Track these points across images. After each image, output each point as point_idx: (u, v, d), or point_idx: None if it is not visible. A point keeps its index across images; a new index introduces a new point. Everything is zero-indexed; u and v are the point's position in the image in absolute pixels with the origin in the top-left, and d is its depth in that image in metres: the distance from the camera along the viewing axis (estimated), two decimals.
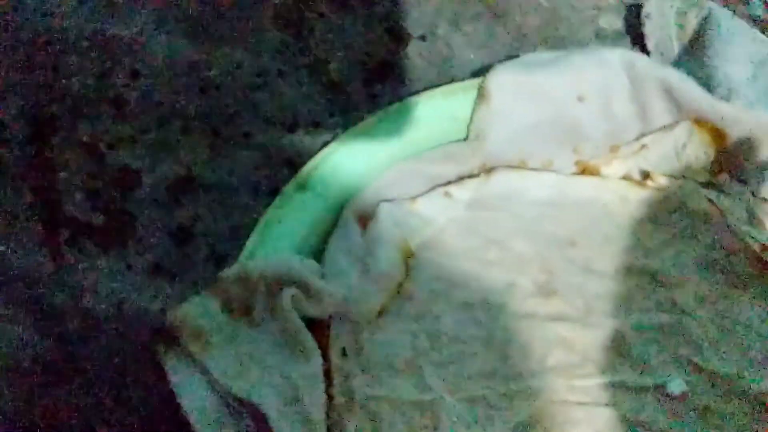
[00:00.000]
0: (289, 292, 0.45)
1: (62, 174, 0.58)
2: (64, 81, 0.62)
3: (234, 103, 0.62)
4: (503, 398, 0.48)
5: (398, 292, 0.51)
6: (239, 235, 0.54)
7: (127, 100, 0.62)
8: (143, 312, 0.53)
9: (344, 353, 0.49)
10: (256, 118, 0.62)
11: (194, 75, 0.63)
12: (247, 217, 0.56)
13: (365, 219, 0.52)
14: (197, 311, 0.43)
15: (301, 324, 0.45)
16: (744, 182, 0.54)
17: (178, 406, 0.44)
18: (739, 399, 0.48)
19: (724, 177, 0.55)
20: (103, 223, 0.57)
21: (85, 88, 0.62)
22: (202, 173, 0.59)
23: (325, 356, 0.48)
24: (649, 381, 0.49)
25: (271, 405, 0.42)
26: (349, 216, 0.52)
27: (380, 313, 0.50)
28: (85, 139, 0.60)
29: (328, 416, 0.46)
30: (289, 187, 0.50)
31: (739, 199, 0.54)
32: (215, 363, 0.42)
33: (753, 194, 0.54)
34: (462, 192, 0.55)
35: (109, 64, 0.63)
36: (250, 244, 0.48)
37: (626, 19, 0.66)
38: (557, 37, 0.66)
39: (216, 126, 0.61)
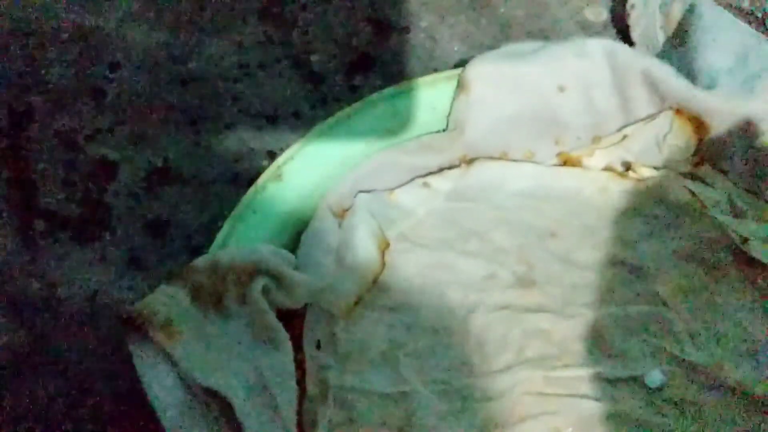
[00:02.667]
0: (260, 282, 0.45)
1: (39, 165, 0.58)
2: (42, 72, 0.62)
3: (214, 94, 0.62)
4: (479, 390, 0.47)
5: (374, 284, 0.51)
6: (216, 227, 0.53)
7: (106, 92, 0.61)
8: (117, 303, 0.52)
9: (318, 345, 0.48)
10: (237, 109, 0.61)
11: (174, 67, 0.63)
12: (226, 209, 0.55)
13: (342, 210, 0.52)
14: (165, 301, 0.43)
15: (271, 314, 0.44)
16: (725, 173, 0.54)
17: (146, 401, 0.43)
18: (718, 390, 0.48)
19: (705, 168, 0.54)
20: (79, 214, 0.56)
21: (64, 80, 0.61)
22: (181, 165, 0.59)
23: (299, 348, 0.47)
24: (627, 372, 0.48)
25: (237, 395, 0.41)
26: (325, 207, 0.51)
27: (356, 305, 0.50)
28: (62, 130, 0.60)
29: (300, 407, 0.46)
30: (264, 178, 0.50)
31: (721, 190, 0.54)
32: (182, 353, 0.42)
33: (735, 185, 0.54)
34: (441, 183, 0.55)
35: (89, 56, 0.63)
36: (222, 233, 0.47)
37: (612, 11, 0.66)
38: (542, 29, 0.65)
39: (195, 118, 0.61)
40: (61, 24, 0.63)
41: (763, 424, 0.47)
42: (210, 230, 0.54)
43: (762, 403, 0.47)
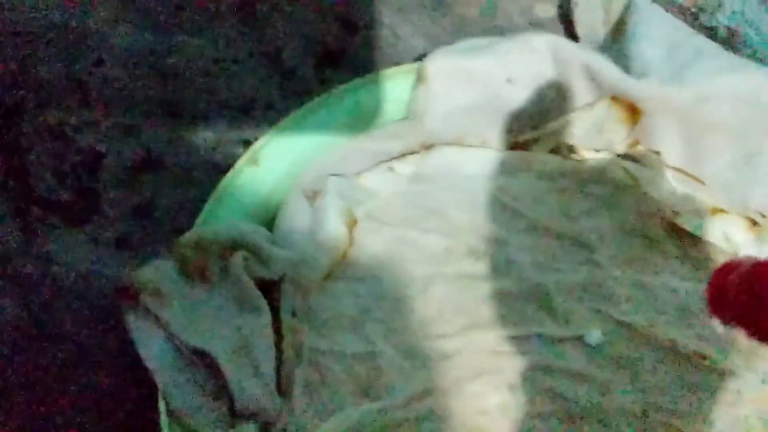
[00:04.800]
0: (240, 255, 0.50)
1: (31, 156, 0.62)
2: (31, 70, 0.66)
3: (193, 88, 0.67)
4: (437, 350, 0.53)
5: (344, 258, 0.56)
6: (197, 210, 0.58)
7: (91, 87, 0.66)
8: (108, 281, 0.57)
9: (294, 314, 0.53)
10: (214, 102, 0.66)
11: (155, 63, 0.67)
12: (205, 194, 0.59)
13: (314, 192, 0.57)
14: (156, 273, 0.48)
15: (251, 283, 0.49)
16: (658, 153, 0.60)
17: (139, 362, 0.48)
18: (652, 348, 0.54)
19: (640, 149, 0.60)
20: (70, 200, 0.61)
21: (52, 77, 0.66)
22: (162, 154, 0.63)
23: (276, 316, 0.52)
24: (570, 332, 0.54)
25: (222, 353, 0.46)
26: (298, 189, 0.56)
27: (327, 277, 0.55)
28: (52, 123, 0.64)
29: (278, 369, 0.51)
30: (241, 162, 0.55)
31: (654, 169, 0.60)
32: (171, 317, 0.47)
33: (667, 164, 0.60)
34: (404, 167, 0.60)
35: (75, 54, 0.67)
36: (204, 213, 0.52)
37: (560, 8, 0.71)
38: (495, 26, 0.71)
39: (175, 110, 0.66)
40: (49, 24, 0.67)
41: (689, 375, 0.53)
42: (192, 213, 0.59)
43: (690, 357, 0.53)
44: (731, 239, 0.57)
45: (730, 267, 0.39)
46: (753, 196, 0.57)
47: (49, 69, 0.66)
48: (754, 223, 0.57)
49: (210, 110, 0.66)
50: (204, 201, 0.56)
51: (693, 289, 0.56)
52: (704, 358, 0.53)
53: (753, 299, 0.36)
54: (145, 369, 0.47)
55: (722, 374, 0.52)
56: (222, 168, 0.62)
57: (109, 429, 0.51)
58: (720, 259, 0.56)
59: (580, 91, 0.60)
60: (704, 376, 0.52)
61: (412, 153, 0.61)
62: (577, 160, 0.61)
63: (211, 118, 0.65)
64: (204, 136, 0.64)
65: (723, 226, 0.57)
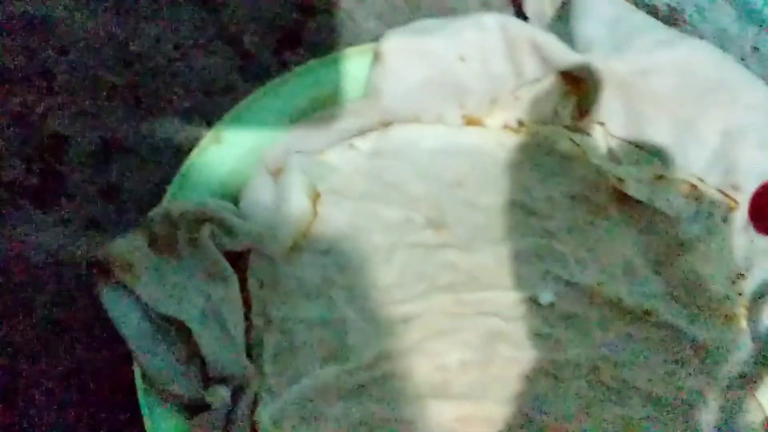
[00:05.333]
0: (207, 228, 0.52)
1: None
2: None
3: (155, 73, 0.68)
4: (400, 313, 0.56)
5: (308, 231, 0.59)
6: (164, 190, 0.60)
7: (56, 74, 0.67)
8: (78, 260, 0.59)
9: (261, 284, 0.56)
10: (176, 86, 0.68)
11: (117, 49, 0.69)
12: (171, 175, 0.61)
13: (277, 169, 0.59)
14: (126, 246, 0.50)
15: (219, 254, 0.52)
16: (602, 124, 0.63)
17: (114, 334, 0.50)
18: (599, 305, 0.57)
19: (586, 120, 0.63)
20: (38, 184, 0.62)
21: (17, 65, 0.67)
22: (127, 137, 0.65)
23: (244, 287, 0.55)
24: (523, 294, 0.57)
25: (193, 320, 0.48)
26: (262, 167, 0.58)
27: (292, 249, 0.58)
28: (17, 110, 0.65)
29: (248, 337, 0.53)
30: (205, 141, 0.57)
31: (600, 139, 0.63)
32: (144, 289, 0.49)
33: (611, 134, 0.63)
34: (364, 143, 0.63)
35: (39, 42, 0.68)
36: (170, 191, 0.54)
37: None
38: (448, 8, 0.74)
39: (139, 94, 0.67)
40: (13, 13, 0.68)
41: (635, 330, 0.56)
42: (158, 193, 0.60)
43: (634, 312, 0.57)
44: (672, 203, 0.60)
45: None
46: (692, 163, 0.61)
47: (13, 58, 0.67)
48: (694, 187, 0.60)
49: (173, 94, 0.68)
50: (169, 182, 0.58)
51: (638, 250, 0.60)
52: (649, 314, 0.56)
53: None
54: (120, 340, 0.48)
55: (666, 328, 0.56)
56: (186, 149, 0.63)
57: (86, 397, 0.53)
58: (661, 223, 0.60)
59: (529, 67, 0.63)
60: (649, 331, 0.56)
61: (371, 130, 0.63)
62: (528, 134, 0.64)
63: (173, 102, 0.67)
64: (167, 119, 0.66)
65: (665, 190, 0.61)
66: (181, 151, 0.64)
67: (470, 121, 0.65)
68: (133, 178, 0.63)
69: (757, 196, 0.46)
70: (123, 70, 0.68)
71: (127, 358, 0.49)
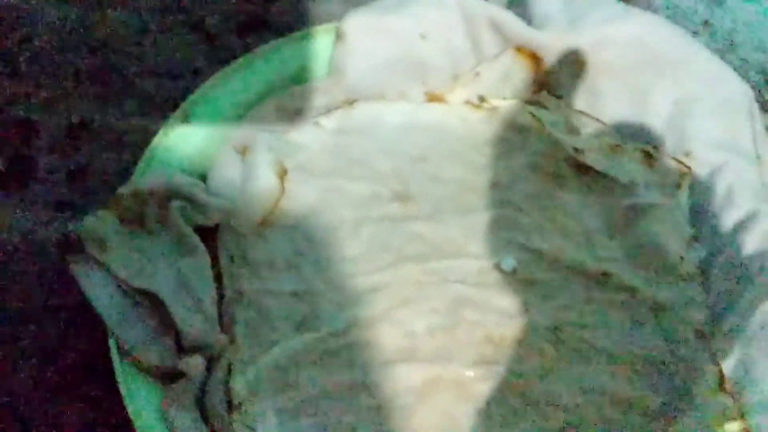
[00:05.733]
0: (177, 203, 0.53)
1: None
2: None
3: (120, 58, 0.69)
4: (368, 283, 0.57)
5: (277, 208, 0.60)
6: (132, 172, 0.60)
7: (22, 62, 0.68)
8: (50, 240, 0.59)
9: (232, 259, 0.57)
10: (142, 70, 0.69)
11: (82, 35, 0.70)
12: (138, 155, 0.62)
13: (244, 147, 0.60)
14: (97, 223, 0.51)
15: (189, 229, 0.53)
16: (559, 97, 0.65)
17: (89, 309, 0.51)
18: (560, 269, 0.59)
19: (543, 94, 0.66)
20: (8, 168, 0.63)
21: None
22: (94, 120, 0.66)
23: (215, 262, 0.56)
24: (486, 262, 0.59)
25: (166, 292, 0.49)
26: (229, 145, 0.59)
27: (262, 225, 0.59)
28: None
29: (220, 310, 0.54)
30: (173, 119, 0.58)
31: (557, 112, 0.65)
32: (115, 263, 0.50)
33: (568, 107, 0.65)
34: (329, 121, 0.64)
35: (4, 31, 0.69)
36: (139, 169, 0.55)
37: None
38: None
39: (105, 79, 0.68)
40: None
41: (594, 292, 0.58)
42: (127, 174, 0.61)
43: (595, 276, 0.59)
44: (628, 171, 0.63)
45: None
46: (646, 133, 0.63)
47: None
48: (649, 155, 0.63)
49: (139, 78, 0.68)
50: (137, 162, 0.59)
51: (596, 218, 0.62)
52: (608, 277, 0.58)
53: None
54: (95, 315, 0.49)
55: (624, 290, 0.58)
56: (153, 131, 0.64)
57: (64, 371, 0.54)
58: (618, 191, 0.62)
59: (488, 44, 0.65)
60: (608, 293, 0.58)
61: (336, 108, 0.65)
62: (489, 109, 0.66)
63: (140, 86, 0.68)
64: (134, 103, 0.67)
65: (620, 159, 0.63)
66: (148, 133, 0.64)
67: (433, 98, 0.66)
68: (102, 160, 0.64)
69: None
70: (88, 56, 0.69)
71: (104, 333, 0.50)
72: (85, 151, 0.64)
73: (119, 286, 0.50)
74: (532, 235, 0.61)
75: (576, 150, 0.63)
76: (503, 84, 0.66)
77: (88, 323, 0.52)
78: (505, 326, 0.56)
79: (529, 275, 0.59)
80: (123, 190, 0.52)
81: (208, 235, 0.57)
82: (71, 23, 0.70)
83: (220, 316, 0.54)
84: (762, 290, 0.53)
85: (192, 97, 0.59)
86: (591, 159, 0.63)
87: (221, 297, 0.55)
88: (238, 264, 0.57)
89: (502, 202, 0.62)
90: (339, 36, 0.64)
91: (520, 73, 0.65)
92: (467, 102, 0.66)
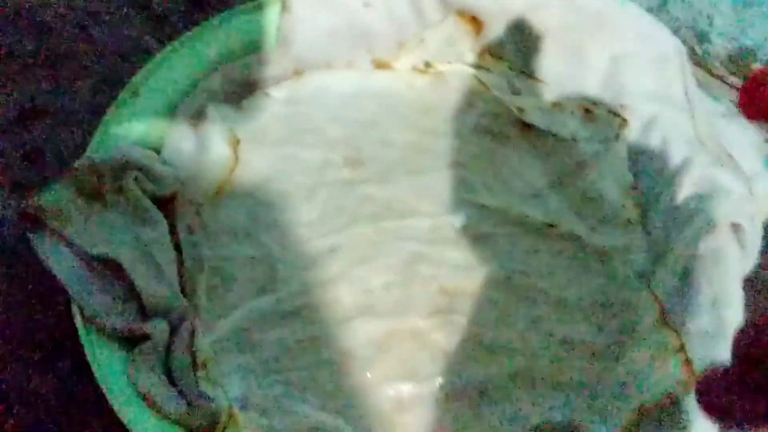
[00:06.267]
0: (131, 174, 0.54)
1: None
2: None
3: (70, 40, 0.70)
4: (325, 245, 0.59)
5: (232, 177, 0.61)
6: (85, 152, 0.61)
7: None
8: (11, 222, 0.60)
9: (190, 230, 0.58)
10: (91, 52, 0.69)
11: (30, 20, 0.70)
12: (92, 134, 0.63)
13: (196, 119, 0.62)
14: (55, 196, 0.52)
15: (146, 199, 0.54)
16: (501, 58, 0.68)
17: (54, 283, 0.52)
18: (507, 224, 0.62)
19: (486, 57, 0.68)
20: None
21: None
22: (46, 102, 0.66)
23: (173, 232, 0.57)
24: (438, 219, 0.61)
25: (127, 260, 0.51)
26: (180, 117, 0.61)
27: (217, 195, 0.60)
28: None
29: (181, 278, 0.56)
30: (124, 94, 0.59)
31: (500, 74, 0.68)
32: (75, 233, 0.51)
33: (510, 69, 0.68)
34: (279, 91, 0.66)
35: None
36: (93, 144, 0.56)
37: None
38: None
39: (55, 62, 0.69)
40: None
41: (541, 243, 0.61)
42: (81, 153, 0.62)
43: (539, 228, 0.61)
44: (569, 127, 0.65)
45: (764, 70, 0.49)
46: (584, 88, 0.66)
47: None
48: (588, 110, 0.66)
49: (89, 59, 0.69)
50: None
51: (541, 173, 0.65)
52: (553, 227, 0.61)
53: None
54: (60, 288, 0.50)
55: (570, 239, 0.61)
56: (105, 109, 0.65)
57: (34, 343, 0.55)
58: (561, 146, 0.65)
59: (430, 10, 0.67)
60: (555, 243, 0.61)
61: (285, 78, 0.66)
62: (434, 74, 0.68)
63: (90, 67, 0.69)
64: (85, 83, 0.68)
65: (562, 116, 0.66)
66: (99, 112, 0.65)
67: (380, 65, 0.68)
68: (56, 140, 0.65)
69: (748, 84, 0.51)
70: (36, 40, 0.69)
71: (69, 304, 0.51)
72: (38, 133, 0.65)
73: (79, 255, 0.51)
74: (480, 192, 0.63)
75: (519, 110, 0.66)
76: (447, 49, 0.68)
77: (55, 294, 0.53)
78: (458, 278, 0.59)
79: (479, 230, 0.61)
80: (78, 164, 0.53)
81: (165, 205, 0.58)
82: (16, 7, 0.70)
83: (182, 284, 0.55)
84: (698, 230, 0.56)
85: (141, 72, 0.60)
86: (533, 117, 0.66)
87: (181, 267, 0.56)
88: (196, 233, 0.58)
89: (451, 163, 0.65)
90: (285, 7, 0.65)
91: (462, 37, 0.67)
92: (413, 68, 0.68)
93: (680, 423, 0.48)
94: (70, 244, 0.51)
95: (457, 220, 0.62)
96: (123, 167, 0.54)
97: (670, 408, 0.48)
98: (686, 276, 0.55)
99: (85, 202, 0.53)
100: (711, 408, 0.30)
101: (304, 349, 0.54)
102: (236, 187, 0.61)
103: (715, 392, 0.30)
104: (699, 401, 0.30)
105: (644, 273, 0.59)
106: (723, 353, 0.50)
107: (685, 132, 0.62)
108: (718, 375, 0.30)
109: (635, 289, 0.58)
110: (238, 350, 0.54)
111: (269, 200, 0.61)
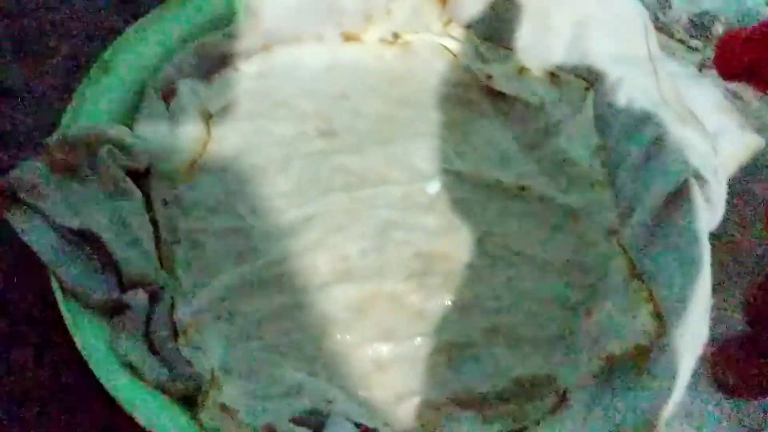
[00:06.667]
0: (105, 148, 0.54)
1: None
2: None
3: (38, 23, 0.69)
4: (301, 214, 0.60)
5: (205, 151, 0.62)
6: (56, 129, 0.61)
7: None
8: None
9: (165, 203, 0.58)
10: (59, 33, 0.69)
11: None
12: (61, 113, 0.63)
13: (167, 94, 0.62)
14: (29, 172, 0.52)
15: (120, 172, 0.54)
16: (468, 27, 0.69)
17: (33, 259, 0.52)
18: (479, 188, 0.63)
19: (453, 26, 0.69)
20: None
21: None
22: (14, 84, 0.66)
23: (149, 206, 0.57)
24: (411, 186, 0.62)
25: (104, 231, 0.51)
26: (151, 92, 0.61)
27: (191, 169, 0.61)
28: None
29: (158, 251, 0.56)
30: (94, 71, 0.59)
31: (468, 43, 0.69)
32: (51, 207, 0.51)
33: (477, 37, 0.69)
34: (249, 66, 0.66)
35: None
36: (66, 119, 0.56)
37: None
38: None
39: (24, 45, 0.68)
40: None
41: (512, 204, 0.62)
42: (53, 131, 0.62)
43: (511, 191, 0.63)
44: (537, 92, 0.66)
45: (738, 31, 0.52)
46: (550, 54, 0.67)
47: None
48: (554, 75, 0.67)
49: (56, 41, 0.69)
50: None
51: (511, 138, 0.66)
52: (525, 189, 0.62)
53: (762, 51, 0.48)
54: (39, 264, 0.50)
55: (541, 200, 0.62)
56: (75, 88, 0.65)
57: (13, 320, 0.55)
58: (529, 112, 0.66)
59: None
60: (526, 204, 0.62)
61: (254, 53, 0.66)
62: (402, 44, 0.68)
63: (58, 48, 0.69)
64: (54, 64, 0.68)
65: (529, 82, 0.67)
66: (69, 90, 0.64)
67: (348, 38, 0.69)
68: (26, 122, 0.65)
69: (721, 45, 0.52)
70: (5, 24, 0.69)
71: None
72: (7, 115, 0.64)
73: (56, 229, 0.51)
74: (452, 159, 0.64)
75: (488, 77, 0.67)
76: (414, 19, 0.68)
77: (31, 275, 0.53)
78: (432, 243, 0.59)
79: (453, 196, 0.62)
80: (51, 140, 0.53)
81: (139, 180, 0.58)
82: None
83: (159, 256, 0.55)
84: (664, 185, 0.57)
85: (111, 49, 0.60)
86: (501, 84, 0.67)
87: (158, 240, 0.56)
88: (171, 207, 0.58)
89: (422, 132, 0.66)
90: None
91: (429, 7, 0.68)
92: (382, 40, 0.69)
93: (648, 371, 0.49)
94: (46, 218, 0.51)
95: (431, 187, 0.62)
96: (96, 142, 0.54)
97: (638, 357, 0.50)
98: (654, 230, 0.57)
99: (60, 177, 0.53)
100: (725, 383, 0.30)
101: (283, 316, 0.55)
102: (210, 162, 0.61)
103: (728, 367, 0.30)
104: (714, 376, 0.31)
105: (613, 230, 0.60)
106: (690, 305, 0.51)
107: (650, 92, 0.64)
108: (732, 348, 0.30)
109: (605, 245, 0.60)
110: (218, 319, 0.54)
111: (243, 173, 0.61)
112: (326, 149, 0.64)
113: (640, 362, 0.50)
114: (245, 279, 0.56)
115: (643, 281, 0.55)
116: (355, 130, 0.65)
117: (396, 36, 0.69)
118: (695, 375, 0.49)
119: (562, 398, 0.49)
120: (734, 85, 0.68)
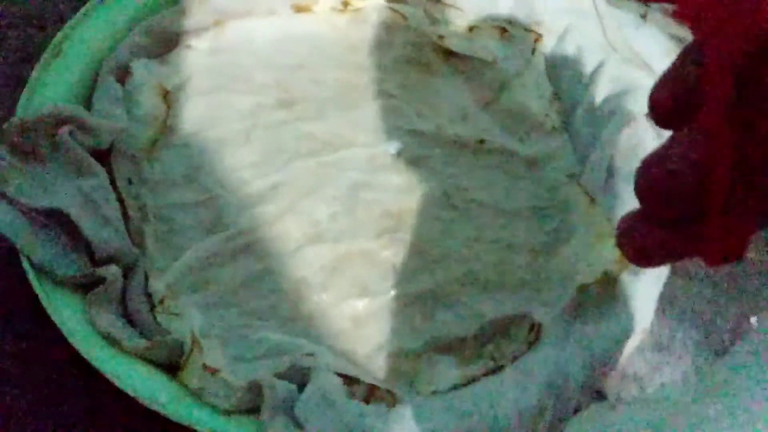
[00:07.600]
0: (66, 128, 0.54)
1: None
2: None
3: None
4: (268, 182, 0.60)
5: (166, 128, 0.62)
6: (11, 115, 0.61)
7: None
8: None
9: (130, 181, 0.58)
10: (6, 24, 0.69)
11: None
12: (16, 97, 0.62)
13: (121, 75, 0.62)
14: None
15: (82, 150, 0.54)
16: None
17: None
18: (440, 145, 0.64)
19: None
20: None
21: None
22: None
23: (114, 186, 0.57)
24: (376, 149, 0.63)
25: (72, 209, 0.51)
26: (106, 74, 0.61)
27: (153, 147, 0.61)
28: None
29: (128, 229, 0.56)
30: (46, 55, 0.58)
31: (417, 5, 0.70)
32: (15, 191, 0.51)
33: None
34: (201, 43, 0.66)
35: None
36: (21, 104, 0.56)
37: None
38: None
39: None
40: None
41: (473, 158, 0.63)
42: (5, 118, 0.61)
43: (471, 145, 0.64)
44: (489, 48, 0.68)
45: None
46: (498, 9, 0.69)
47: None
48: (504, 30, 0.68)
49: (3, 33, 0.68)
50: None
51: (467, 96, 0.67)
52: (484, 143, 0.64)
53: None
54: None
55: (500, 152, 0.63)
56: (26, 78, 0.65)
57: None
58: (483, 68, 0.68)
59: None
60: (486, 157, 0.63)
61: (206, 29, 0.67)
62: (353, 10, 0.69)
63: (7, 41, 0.68)
64: (3, 56, 0.67)
65: (480, 39, 0.68)
66: (21, 85, 0.64)
67: (300, 9, 0.69)
68: None
69: None
70: None
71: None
72: None
73: (23, 212, 0.51)
74: (412, 119, 0.65)
75: (439, 38, 0.68)
76: None
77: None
78: (400, 200, 0.61)
79: (414, 154, 0.64)
80: (7, 124, 0.53)
81: (101, 160, 0.58)
82: None
83: (129, 233, 0.55)
84: (617, 125, 0.59)
85: (63, 32, 0.60)
86: (454, 44, 0.68)
87: (126, 218, 0.56)
88: (136, 185, 0.58)
89: (381, 95, 0.67)
90: None
91: None
92: (332, 8, 0.70)
93: (618, 299, 0.51)
94: (10, 202, 0.51)
95: (393, 147, 0.64)
96: (56, 122, 0.54)
97: (606, 285, 0.51)
98: (611, 169, 0.58)
99: (22, 160, 0.53)
100: (630, 250, 0.31)
101: (259, 282, 0.56)
102: (171, 138, 0.62)
103: (632, 234, 0.31)
104: (618, 245, 0.32)
105: (573, 174, 0.62)
106: None
107: (598, 39, 0.66)
108: (633, 217, 0.31)
109: (566, 189, 0.61)
110: (193, 290, 0.55)
111: (207, 147, 0.62)
112: (288, 118, 0.64)
113: (609, 290, 0.51)
114: (218, 249, 0.56)
115: (604, 216, 0.57)
116: (316, 97, 0.66)
117: (346, 3, 0.70)
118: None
119: (537, 334, 0.50)
120: (678, 30, 0.70)
